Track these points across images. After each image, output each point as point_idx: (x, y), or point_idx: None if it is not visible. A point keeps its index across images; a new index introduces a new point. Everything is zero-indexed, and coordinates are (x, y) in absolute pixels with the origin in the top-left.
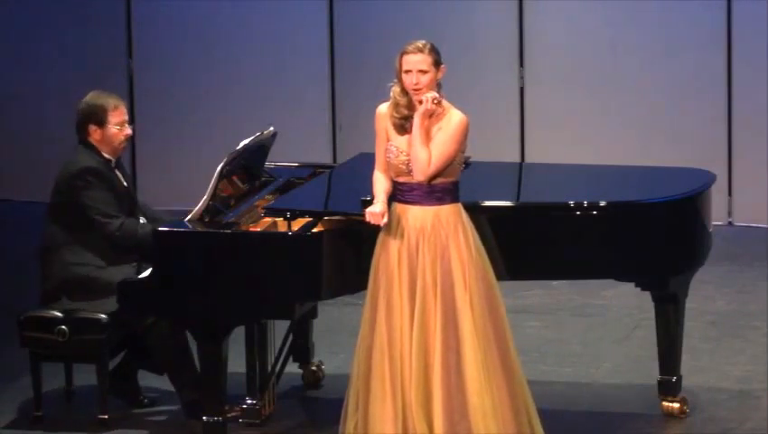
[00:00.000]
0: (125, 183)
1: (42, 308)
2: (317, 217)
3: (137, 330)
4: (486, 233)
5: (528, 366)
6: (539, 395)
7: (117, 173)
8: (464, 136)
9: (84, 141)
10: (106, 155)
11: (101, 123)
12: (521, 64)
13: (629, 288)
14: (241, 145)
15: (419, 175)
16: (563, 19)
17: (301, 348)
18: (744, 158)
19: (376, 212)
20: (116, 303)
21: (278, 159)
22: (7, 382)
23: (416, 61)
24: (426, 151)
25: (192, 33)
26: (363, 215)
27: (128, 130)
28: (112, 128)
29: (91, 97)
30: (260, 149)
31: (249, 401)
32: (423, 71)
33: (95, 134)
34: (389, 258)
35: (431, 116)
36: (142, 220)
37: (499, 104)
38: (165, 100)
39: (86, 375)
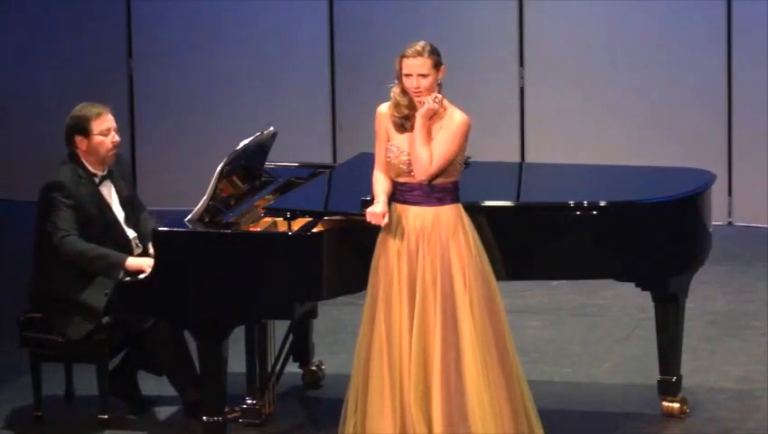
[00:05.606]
0: (108, 201)
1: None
2: (317, 217)
3: (137, 330)
4: (486, 233)
5: (528, 366)
6: (539, 395)
7: (104, 188)
8: (466, 135)
9: (72, 155)
10: (92, 169)
11: (86, 132)
12: (521, 64)
13: (629, 288)
14: (241, 145)
15: (421, 175)
16: (563, 19)
17: (301, 348)
18: (744, 158)
19: (377, 212)
20: (87, 321)
21: (278, 159)
22: (7, 382)
23: (416, 65)
24: (427, 150)
25: (192, 33)
26: (363, 215)
27: (115, 138)
28: (96, 137)
29: (76, 109)
30: (260, 149)
31: (249, 401)
32: (423, 75)
33: (81, 144)
34: (389, 258)
35: (432, 116)
36: (132, 233)
37: (499, 104)
38: (165, 100)
39: (86, 375)
